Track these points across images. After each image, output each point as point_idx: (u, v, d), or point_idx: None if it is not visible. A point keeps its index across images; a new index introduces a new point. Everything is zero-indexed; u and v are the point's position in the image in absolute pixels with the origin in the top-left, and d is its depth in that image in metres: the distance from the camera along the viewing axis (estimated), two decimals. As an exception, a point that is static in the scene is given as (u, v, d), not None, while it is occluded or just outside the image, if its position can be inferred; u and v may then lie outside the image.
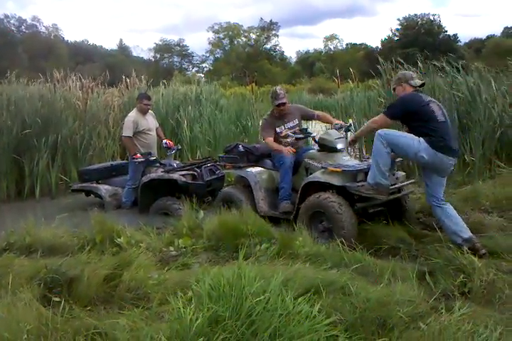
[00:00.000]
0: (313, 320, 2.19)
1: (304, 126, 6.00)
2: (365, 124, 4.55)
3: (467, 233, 3.91)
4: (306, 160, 4.94)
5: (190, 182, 5.78)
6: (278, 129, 5.28)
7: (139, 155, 6.04)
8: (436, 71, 8.15)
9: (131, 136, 6.23)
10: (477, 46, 46.45)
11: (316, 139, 5.04)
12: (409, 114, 4.02)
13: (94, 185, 6.56)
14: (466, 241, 3.82)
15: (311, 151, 5.11)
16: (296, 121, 5.37)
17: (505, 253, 3.60)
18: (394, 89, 4.37)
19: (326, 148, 4.83)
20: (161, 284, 3.06)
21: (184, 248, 4.03)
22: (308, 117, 5.64)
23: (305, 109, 5.61)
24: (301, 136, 5.03)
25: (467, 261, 3.20)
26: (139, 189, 6.05)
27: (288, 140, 5.15)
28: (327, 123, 5.99)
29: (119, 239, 3.99)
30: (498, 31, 52.41)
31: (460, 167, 7.07)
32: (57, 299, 2.77)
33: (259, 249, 3.76)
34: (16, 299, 2.57)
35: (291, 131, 5.14)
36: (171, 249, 4.02)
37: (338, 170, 4.34)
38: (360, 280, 2.99)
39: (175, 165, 6.19)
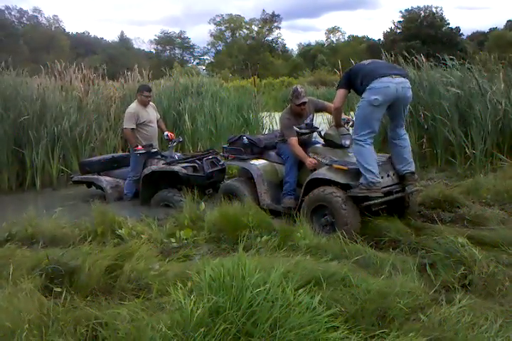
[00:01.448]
0: (314, 311, 2.21)
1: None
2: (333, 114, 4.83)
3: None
4: (310, 155, 4.88)
5: (191, 174, 5.78)
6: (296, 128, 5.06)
7: (140, 147, 6.03)
8: (438, 65, 8.14)
9: (132, 127, 6.21)
10: (480, 39, 46.19)
11: (322, 134, 5.00)
12: (351, 76, 4.30)
13: (96, 176, 6.56)
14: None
15: (316, 146, 5.04)
16: (311, 116, 5.26)
17: (505, 246, 3.60)
18: None
19: (332, 144, 4.79)
20: (161, 275, 3.07)
21: (185, 239, 4.04)
22: (319, 109, 5.43)
23: (316, 102, 5.43)
24: (306, 131, 4.95)
25: (468, 254, 3.20)
26: (140, 181, 6.05)
27: (304, 137, 5.05)
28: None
29: (120, 231, 4.01)
30: (501, 24, 52.11)
31: (461, 160, 7.08)
32: (58, 289, 2.77)
33: (260, 240, 3.77)
34: (18, 289, 2.58)
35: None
36: (172, 240, 4.02)
37: (344, 167, 4.31)
38: (360, 272, 3.00)
39: (176, 157, 6.18)
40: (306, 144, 5.12)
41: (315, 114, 5.50)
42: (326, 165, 4.52)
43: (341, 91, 4.44)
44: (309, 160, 4.75)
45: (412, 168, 4.40)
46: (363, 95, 4.13)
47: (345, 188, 4.28)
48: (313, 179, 4.53)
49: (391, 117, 4.35)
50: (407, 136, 4.43)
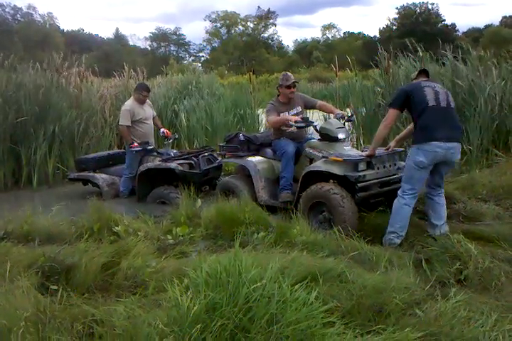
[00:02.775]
0: (310, 307, 2.20)
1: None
2: (378, 130, 4.21)
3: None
4: (307, 149, 4.93)
5: (187, 171, 5.78)
6: (282, 115, 5.19)
7: (136, 144, 6.03)
8: (434, 60, 8.14)
9: (127, 125, 6.20)
10: (475, 35, 46.21)
11: (318, 128, 5.02)
12: (408, 99, 3.96)
13: (92, 174, 6.55)
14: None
15: (312, 140, 5.08)
16: (300, 109, 5.33)
17: (501, 241, 3.62)
18: None
19: (328, 137, 4.80)
20: (158, 272, 3.07)
21: (182, 236, 4.04)
22: (311, 106, 5.55)
23: (308, 98, 5.56)
24: (302, 124, 4.96)
25: (463, 249, 3.21)
26: (136, 178, 6.05)
27: (290, 129, 5.07)
28: (328, 112, 5.95)
29: (116, 228, 3.99)
30: (496, 20, 52.26)
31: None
32: (54, 287, 2.77)
33: (257, 237, 3.78)
34: (14, 287, 2.57)
35: (292, 117, 5.03)
36: (169, 237, 4.02)
37: (339, 159, 4.34)
38: (357, 267, 3.01)
39: (172, 154, 6.17)
40: (300, 139, 5.16)
41: (314, 111, 5.54)
42: (323, 157, 4.54)
43: (395, 112, 4.06)
44: (292, 118, 4.95)
45: (447, 229, 4.12)
46: (410, 152, 3.97)
47: (342, 183, 4.30)
48: (310, 172, 4.55)
49: (433, 175, 4.08)
50: (443, 194, 4.22)
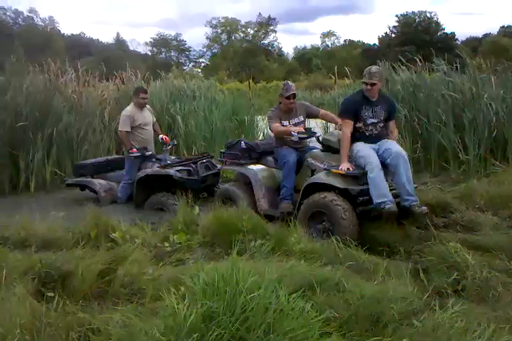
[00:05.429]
0: (307, 317, 2.20)
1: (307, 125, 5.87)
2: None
3: None
4: (308, 159, 4.87)
5: (185, 177, 5.76)
6: (283, 123, 5.16)
7: (135, 149, 6.01)
8: (433, 70, 8.19)
9: (127, 130, 6.19)
10: (474, 44, 46.45)
11: (320, 139, 5.00)
12: None
13: (89, 179, 6.53)
14: None
15: (314, 151, 5.03)
16: (302, 118, 5.29)
17: (498, 252, 3.61)
18: (374, 84, 4.53)
19: (330, 148, 4.78)
20: (155, 280, 3.05)
21: (179, 244, 4.02)
22: (313, 115, 5.49)
23: (310, 107, 5.50)
24: (304, 135, 4.91)
25: (461, 259, 3.21)
26: (134, 184, 6.03)
27: (291, 138, 5.00)
28: (330, 122, 5.91)
29: (113, 234, 3.97)
30: (494, 30, 52.66)
31: (455, 165, 7.11)
32: (50, 294, 2.75)
33: (254, 245, 3.75)
34: (10, 294, 2.56)
35: (296, 127, 5.01)
36: (166, 244, 4.00)
37: (341, 172, 4.31)
38: (354, 277, 3.00)
39: (170, 160, 6.16)
40: (302, 148, 5.15)
41: (313, 119, 5.50)
42: (324, 170, 4.52)
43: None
44: (295, 128, 4.92)
45: None
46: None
47: (344, 194, 4.28)
48: (311, 184, 4.53)
49: None
50: None
